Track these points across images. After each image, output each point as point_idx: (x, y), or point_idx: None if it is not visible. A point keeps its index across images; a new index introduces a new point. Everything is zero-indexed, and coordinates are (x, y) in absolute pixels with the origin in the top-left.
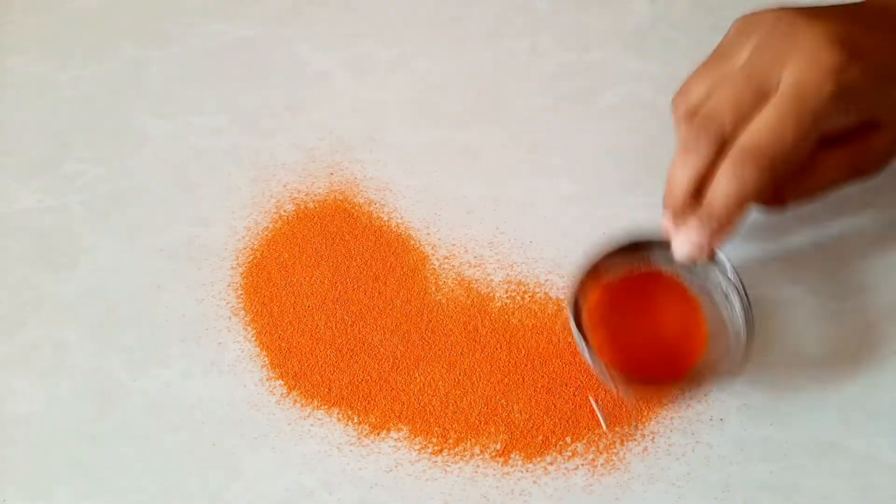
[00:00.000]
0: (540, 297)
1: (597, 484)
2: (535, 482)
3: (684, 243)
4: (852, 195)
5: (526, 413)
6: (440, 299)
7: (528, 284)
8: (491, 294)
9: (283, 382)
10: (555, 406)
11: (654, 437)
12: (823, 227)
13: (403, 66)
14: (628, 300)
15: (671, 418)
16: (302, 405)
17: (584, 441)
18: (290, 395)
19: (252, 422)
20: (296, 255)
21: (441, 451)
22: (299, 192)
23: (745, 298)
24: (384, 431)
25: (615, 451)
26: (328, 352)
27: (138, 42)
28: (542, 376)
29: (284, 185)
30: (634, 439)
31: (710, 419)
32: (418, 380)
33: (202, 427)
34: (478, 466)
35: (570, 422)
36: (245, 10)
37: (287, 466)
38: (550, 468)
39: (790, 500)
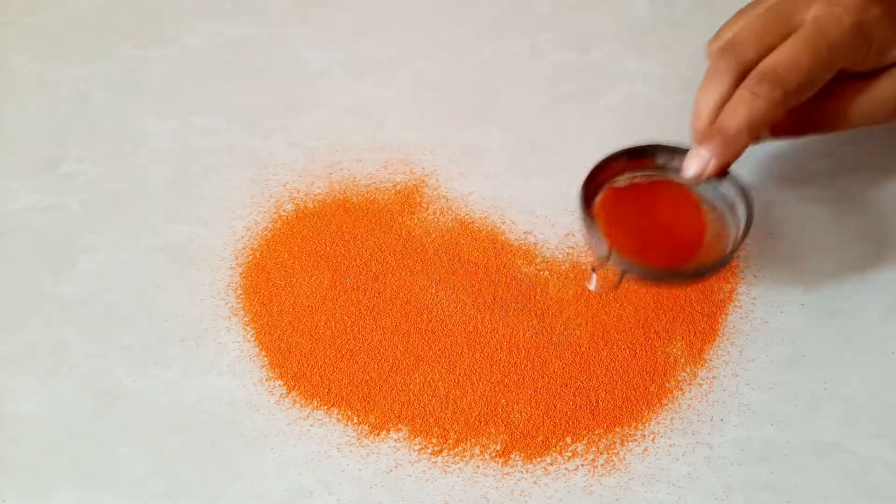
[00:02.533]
0: (540, 297)
1: (597, 484)
2: (535, 482)
3: (693, 158)
4: (852, 195)
5: (526, 413)
6: (440, 299)
7: (529, 285)
8: (492, 294)
9: (282, 383)
10: (555, 406)
11: (654, 438)
12: (823, 227)
13: (403, 65)
14: (634, 201)
15: (671, 419)
16: (301, 405)
17: (584, 441)
18: (290, 396)
19: (252, 422)
20: (296, 255)
21: (441, 451)
22: (299, 191)
23: (749, 204)
24: (384, 431)
25: (615, 451)
26: (328, 352)
27: (138, 42)
28: (542, 376)
29: (284, 185)
30: (635, 439)
31: (711, 419)
32: (418, 380)
33: (202, 427)
34: (478, 467)
35: (570, 422)
36: (245, 10)
37: (287, 466)
38: (550, 468)
39: (790, 500)
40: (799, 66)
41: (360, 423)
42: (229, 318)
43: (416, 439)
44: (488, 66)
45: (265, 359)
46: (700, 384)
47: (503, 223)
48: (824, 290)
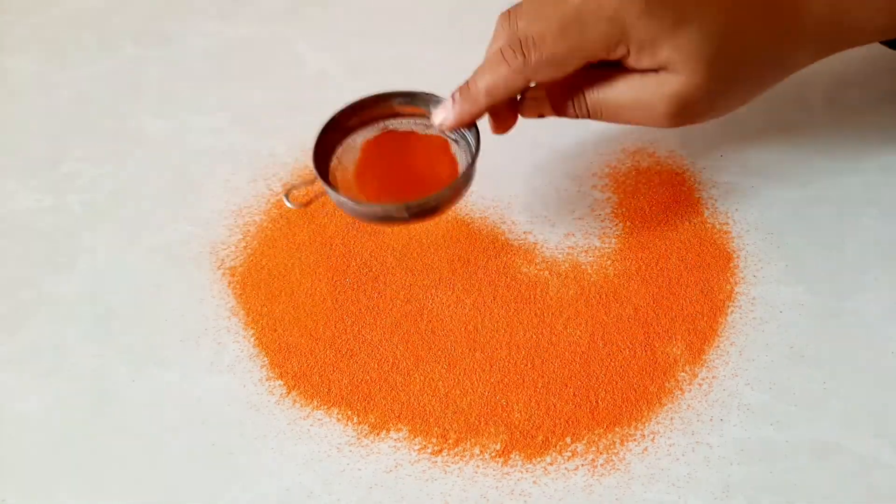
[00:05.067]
0: (540, 297)
1: (597, 484)
2: (535, 482)
3: (440, 108)
4: (852, 194)
5: (526, 413)
6: (440, 299)
7: (529, 285)
8: (492, 294)
9: (282, 382)
10: (555, 406)
11: (654, 438)
12: (823, 226)
13: (403, 65)
14: (387, 149)
15: (671, 418)
16: (301, 405)
17: (584, 441)
18: (290, 396)
19: (252, 422)
20: (296, 255)
21: (441, 451)
22: (299, 191)
23: (476, 145)
24: (384, 431)
25: (615, 451)
26: (328, 352)
27: (138, 42)
28: (542, 376)
29: (284, 185)
30: (634, 439)
31: (711, 419)
32: (418, 380)
33: (202, 427)
34: (477, 466)
35: (570, 422)
36: (245, 10)
37: (287, 466)
38: (550, 468)
39: (790, 500)
40: (545, 41)
41: (360, 423)
42: (229, 318)
43: (416, 439)
44: None
45: (265, 359)
46: (700, 384)
47: (503, 223)
48: (824, 290)
